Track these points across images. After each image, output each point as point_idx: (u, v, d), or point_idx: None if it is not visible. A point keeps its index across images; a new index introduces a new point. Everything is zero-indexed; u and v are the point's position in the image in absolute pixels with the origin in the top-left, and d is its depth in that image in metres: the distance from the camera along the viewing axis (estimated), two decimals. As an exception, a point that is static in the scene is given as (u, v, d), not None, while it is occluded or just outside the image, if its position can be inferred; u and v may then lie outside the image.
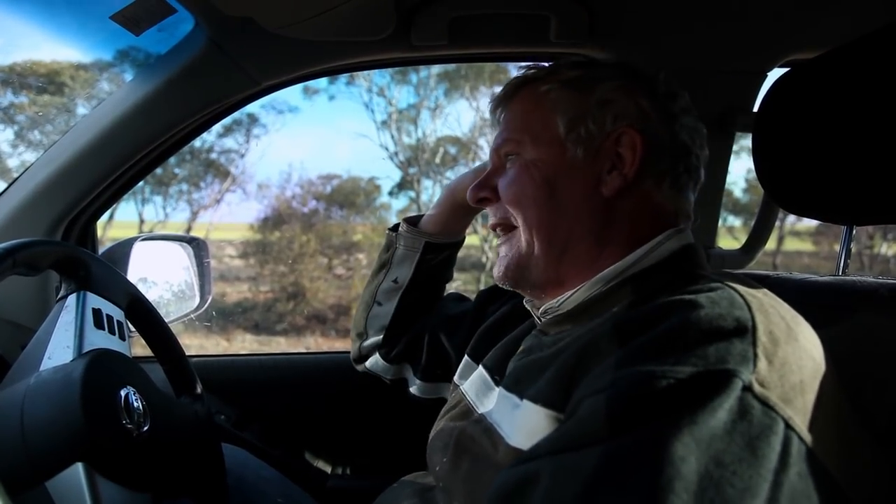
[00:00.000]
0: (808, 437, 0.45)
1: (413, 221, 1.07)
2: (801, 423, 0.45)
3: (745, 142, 1.28)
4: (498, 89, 0.85)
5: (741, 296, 0.52)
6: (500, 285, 0.79)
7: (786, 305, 0.55)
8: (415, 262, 1.05)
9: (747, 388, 0.44)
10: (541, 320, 0.76)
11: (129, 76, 1.13)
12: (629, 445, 0.44)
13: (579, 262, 0.72)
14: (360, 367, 1.12)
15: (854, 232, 0.89)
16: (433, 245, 1.05)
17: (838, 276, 0.83)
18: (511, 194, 0.76)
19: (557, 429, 0.54)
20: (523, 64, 0.83)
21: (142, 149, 1.11)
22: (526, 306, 0.81)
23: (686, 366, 0.46)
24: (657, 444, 0.42)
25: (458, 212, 1.03)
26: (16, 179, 1.12)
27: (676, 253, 0.69)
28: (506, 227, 0.78)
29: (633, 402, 0.46)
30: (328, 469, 1.43)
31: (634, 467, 0.43)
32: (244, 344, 7.29)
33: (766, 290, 0.56)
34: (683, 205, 0.75)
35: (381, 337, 1.07)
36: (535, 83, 0.79)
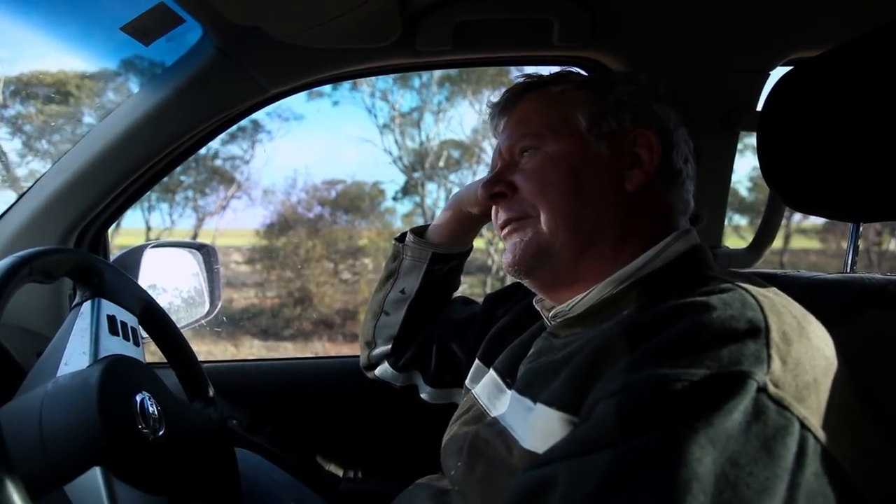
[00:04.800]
0: (822, 436, 0.45)
1: (419, 232, 1.06)
2: (816, 421, 0.45)
3: (749, 140, 1.28)
4: (500, 92, 0.85)
5: (752, 296, 0.53)
6: (511, 274, 0.78)
7: (796, 304, 0.55)
8: (422, 272, 1.04)
9: (762, 389, 0.45)
10: (551, 322, 0.77)
11: (136, 85, 1.14)
12: (645, 447, 0.44)
13: (601, 258, 0.72)
14: (369, 375, 1.13)
15: (861, 229, 0.89)
16: (440, 255, 1.04)
17: (846, 273, 0.83)
18: (535, 184, 0.74)
19: (572, 432, 0.54)
20: (520, 74, 0.84)
21: (152, 157, 1.12)
22: (536, 307, 0.82)
23: (700, 368, 0.46)
24: (673, 445, 0.43)
25: (466, 221, 1.02)
26: (29, 189, 1.14)
27: (685, 254, 0.70)
28: (520, 221, 0.77)
29: (648, 404, 0.47)
30: (340, 472, 1.43)
31: (650, 468, 0.43)
32: (252, 350, 7.29)
33: (776, 290, 0.57)
34: (690, 205, 0.78)
35: (390, 346, 1.06)
36: (545, 86, 0.80)
